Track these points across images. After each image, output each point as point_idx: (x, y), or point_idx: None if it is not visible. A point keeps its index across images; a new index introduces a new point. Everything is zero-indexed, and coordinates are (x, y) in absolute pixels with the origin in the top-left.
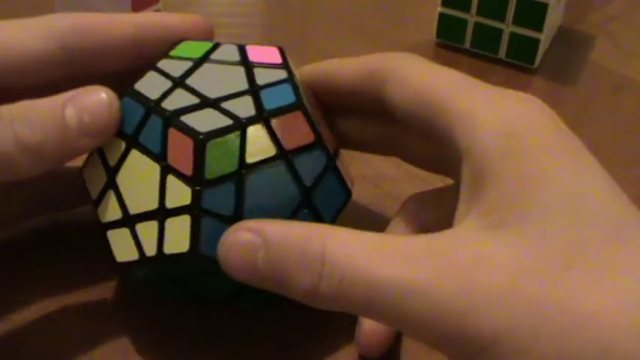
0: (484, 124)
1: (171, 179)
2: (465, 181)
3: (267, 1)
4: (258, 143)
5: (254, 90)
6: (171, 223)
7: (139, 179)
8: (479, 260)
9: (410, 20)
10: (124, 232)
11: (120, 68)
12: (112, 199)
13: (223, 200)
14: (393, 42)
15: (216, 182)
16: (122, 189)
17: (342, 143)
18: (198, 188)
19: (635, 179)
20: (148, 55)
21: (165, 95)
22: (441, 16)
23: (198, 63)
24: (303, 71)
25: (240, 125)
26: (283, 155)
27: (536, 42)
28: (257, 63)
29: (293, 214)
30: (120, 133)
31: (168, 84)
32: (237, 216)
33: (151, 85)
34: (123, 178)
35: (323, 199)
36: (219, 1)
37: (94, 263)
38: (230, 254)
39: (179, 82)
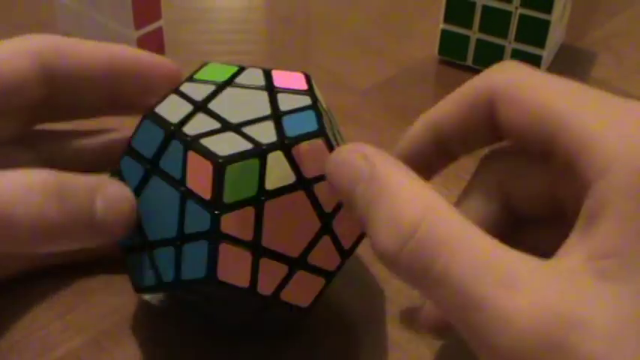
0: (616, 156)
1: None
2: (584, 212)
3: (271, 17)
4: (278, 170)
5: (276, 116)
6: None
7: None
8: (578, 321)
9: (412, 37)
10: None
11: (94, 97)
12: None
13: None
14: (395, 58)
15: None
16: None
17: None
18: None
19: None
20: (119, 86)
21: (186, 119)
22: (443, 32)
23: (221, 87)
24: (408, 140)
25: (260, 151)
26: (303, 183)
27: (538, 58)
28: (281, 88)
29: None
30: (139, 157)
31: (190, 108)
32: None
33: (172, 109)
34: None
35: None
36: (223, 17)
37: (111, 281)
38: (335, 173)
39: (201, 106)
